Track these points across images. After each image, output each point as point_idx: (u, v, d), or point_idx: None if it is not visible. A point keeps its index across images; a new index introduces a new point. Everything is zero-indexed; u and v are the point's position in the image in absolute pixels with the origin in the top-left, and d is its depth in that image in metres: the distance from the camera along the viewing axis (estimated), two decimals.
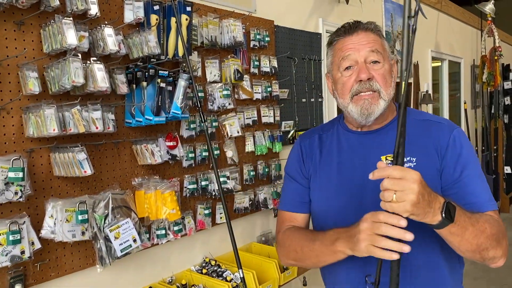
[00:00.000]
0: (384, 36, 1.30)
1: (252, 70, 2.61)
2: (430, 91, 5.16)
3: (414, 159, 1.20)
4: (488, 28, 5.93)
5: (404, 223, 0.93)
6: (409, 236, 0.93)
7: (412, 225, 0.98)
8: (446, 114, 6.02)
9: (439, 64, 5.90)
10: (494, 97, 6.36)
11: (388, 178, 0.93)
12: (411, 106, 4.75)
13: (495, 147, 6.11)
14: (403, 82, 0.95)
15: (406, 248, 0.93)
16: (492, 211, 1.17)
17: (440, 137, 1.23)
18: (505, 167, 6.19)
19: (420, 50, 5.05)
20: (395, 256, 0.94)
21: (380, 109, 1.21)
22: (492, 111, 6.25)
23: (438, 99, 5.99)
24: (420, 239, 1.13)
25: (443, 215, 0.98)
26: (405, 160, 1.17)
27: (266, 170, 2.69)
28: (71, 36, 1.59)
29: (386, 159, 1.21)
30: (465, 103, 6.25)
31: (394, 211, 0.94)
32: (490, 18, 5.87)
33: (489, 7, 5.72)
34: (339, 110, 3.75)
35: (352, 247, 1.04)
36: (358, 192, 1.23)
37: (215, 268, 2.25)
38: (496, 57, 5.88)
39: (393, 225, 0.94)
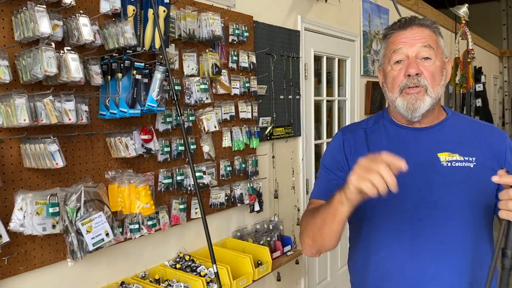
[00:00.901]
0: (441, 33, 1.28)
1: (230, 65, 2.60)
2: None
3: (474, 159, 1.21)
4: (462, 31, 6.07)
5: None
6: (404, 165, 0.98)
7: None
8: None
9: None
10: (466, 98, 6.52)
11: None
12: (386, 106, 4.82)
13: None
14: None
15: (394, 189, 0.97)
16: None
17: (494, 140, 1.26)
18: None
19: None
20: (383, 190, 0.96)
21: (426, 105, 1.21)
22: (464, 112, 6.41)
23: None
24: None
25: None
26: (464, 159, 1.21)
27: (243, 165, 2.69)
28: (44, 25, 1.54)
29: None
30: None
31: None
32: (464, 21, 6.01)
33: (463, 10, 5.85)
34: (317, 108, 3.79)
35: (344, 189, 1.04)
36: (415, 187, 1.21)
37: (189, 263, 2.24)
38: (468, 60, 6.02)
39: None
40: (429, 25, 1.24)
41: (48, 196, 1.66)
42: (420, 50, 1.20)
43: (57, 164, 1.62)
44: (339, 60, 3.98)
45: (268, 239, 2.76)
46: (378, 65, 1.36)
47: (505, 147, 1.25)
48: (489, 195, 1.21)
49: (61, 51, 1.63)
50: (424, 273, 1.19)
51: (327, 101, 3.92)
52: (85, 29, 1.69)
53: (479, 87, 6.70)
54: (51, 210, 1.64)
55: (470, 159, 1.21)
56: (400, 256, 1.22)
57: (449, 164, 1.21)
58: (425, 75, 1.20)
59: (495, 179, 0.97)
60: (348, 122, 4.10)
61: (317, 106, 3.77)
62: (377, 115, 1.42)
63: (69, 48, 1.66)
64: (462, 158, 1.21)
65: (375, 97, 4.49)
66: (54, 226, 1.68)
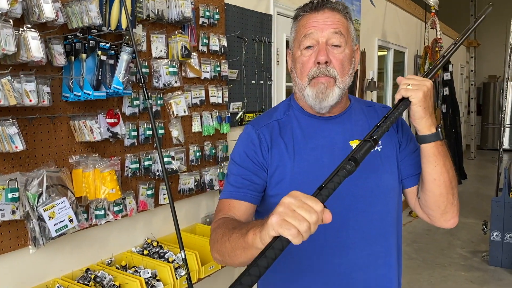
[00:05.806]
0: (352, 19, 1.25)
1: (200, 48, 2.55)
2: (375, 79, 5.31)
3: (380, 142, 1.21)
4: (432, 20, 6.16)
5: (319, 207, 0.80)
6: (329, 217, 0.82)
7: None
8: (389, 102, 6.23)
9: (385, 53, 6.08)
10: (434, 87, 6.65)
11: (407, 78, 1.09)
12: (357, 93, 4.87)
13: None
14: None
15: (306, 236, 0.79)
16: None
17: None
18: None
19: (368, 38, 5.17)
20: (298, 241, 0.78)
21: (335, 97, 1.18)
22: (432, 100, 6.55)
23: (383, 87, 6.19)
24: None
25: (438, 129, 1.11)
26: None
27: (213, 151, 2.66)
28: (1, 0, 1.46)
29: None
30: None
31: (407, 95, 1.07)
32: (433, 11, 6.10)
33: (433, 0, 5.93)
34: (288, 94, 3.78)
35: (262, 228, 0.85)
36: None
37: (157, 249, 2.21)
38: (437, 49, 6.13)
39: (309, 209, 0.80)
40: (341, 9, 1.21)
41: (7, 181, 1.59)
42: (331, 36, 1.18)
43: (16, 147, 1.55)
44: None
45: None
46: (288, 48, 1.31)
47: (398, 123, 1.30)
48: (396, 175, 1.25)
49: (21, 29, 1.56)
50: (354, 264, 1.20)
51: None
52: (47, 6, 1.61)
53: (446, 76, 6.84)
54: (10, 195, 1.58)
55: (378, 143, 1.19)
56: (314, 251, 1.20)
57: None
58: (334, 64, 1.17)
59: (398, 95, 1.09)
60: None
61: (289, 92, 3.76)
62: (284, 105, 1.34)
63: (29, 25, 1.59)
64: None
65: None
66: (13, 212, 1.61)
